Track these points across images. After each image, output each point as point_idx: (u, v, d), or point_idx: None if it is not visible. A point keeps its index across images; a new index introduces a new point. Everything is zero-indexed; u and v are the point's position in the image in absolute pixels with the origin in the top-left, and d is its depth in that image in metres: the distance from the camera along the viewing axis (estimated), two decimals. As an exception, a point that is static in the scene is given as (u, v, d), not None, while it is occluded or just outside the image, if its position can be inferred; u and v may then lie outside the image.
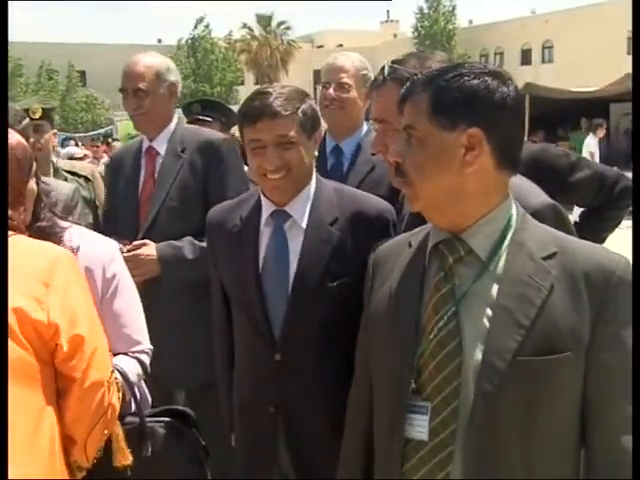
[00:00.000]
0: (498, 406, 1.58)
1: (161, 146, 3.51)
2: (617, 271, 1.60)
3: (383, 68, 2.19)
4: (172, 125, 3.55)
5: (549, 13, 49.91)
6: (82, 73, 51.45)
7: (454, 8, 51.86)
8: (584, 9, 45.72)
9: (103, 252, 2.28)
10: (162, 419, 2.26)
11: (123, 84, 3.50)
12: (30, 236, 2.01)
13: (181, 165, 3.44)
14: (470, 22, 57.71)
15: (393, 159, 1.73)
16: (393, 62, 2.20)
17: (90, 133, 33.81)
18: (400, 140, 1.71)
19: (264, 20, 55.39)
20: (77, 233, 2.25)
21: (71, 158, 5.47)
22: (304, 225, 2.41)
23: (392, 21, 67.52)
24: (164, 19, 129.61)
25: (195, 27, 53.98)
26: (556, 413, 1.60)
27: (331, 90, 3.54)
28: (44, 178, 3.25)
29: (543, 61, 49.64)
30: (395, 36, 61.56)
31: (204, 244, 3.11)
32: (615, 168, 4.01)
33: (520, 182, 1.92)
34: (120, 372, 2.15)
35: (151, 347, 2.37)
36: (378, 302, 1.84)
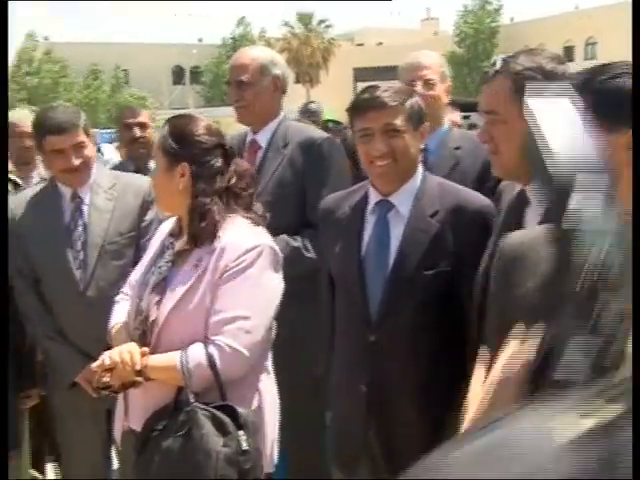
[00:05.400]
0: None
1: (264, 140, 3.53)
2: None
3: (494, 63, 2.26)
4: (277, 119, 3.55)
5: (592, 9, 49.29)
6: (126, 72, 52.17)
7: (501, 7, 51.55)
8: (628, 4, 44.98)
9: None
10: (210, 409, 2.25)
11: (229, 76, 3.57)
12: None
13: (281, 160, 3.45)
14: (512, 19, 57.28)
15: None
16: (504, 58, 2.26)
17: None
18: None
19: (305, 18, 55.61)
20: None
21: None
22: (406, 215, 2.55)
23: (432, 19, 67.30)
24: (205, 18, 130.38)
25: (237, 26, 54.46)
26: None
27: (419, 87, 3.49)
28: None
29: (586, 58, 49.01)
30: (436, 34, 61.32)
31: (297, 244, 3.30)
32: None
33: None
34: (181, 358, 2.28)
35: (233, 344, 2.31)
36: None
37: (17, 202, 3.37)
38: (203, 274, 2.38)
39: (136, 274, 2.66)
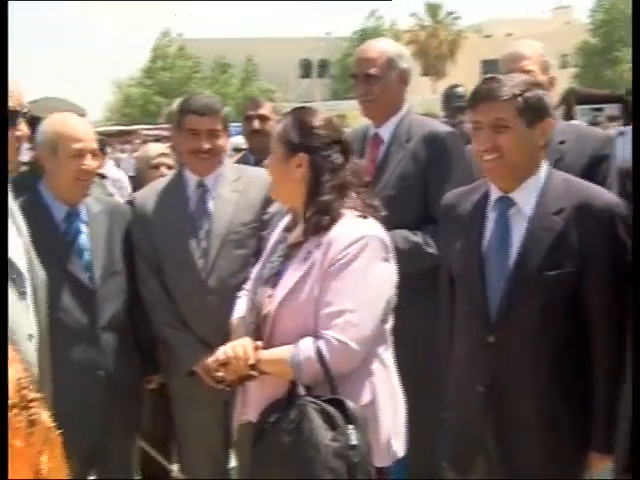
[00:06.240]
0: None
1: (387, 134, 3.51)
2: None
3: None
4: (400, 114, 3.52)
5: None
6: (255, 66, 53.12)
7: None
8: None
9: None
10: (319, 403, 2.25)
11: (355, 69, 3.54)
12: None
13: (404, 155, 3.42)
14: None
15: None
16: None
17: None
18: None
19: (433, 10, 55.01)
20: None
21: (236, 149, 5.77)
22: (528, 213, 2.48)
23: (564, 7, 65.15)
24: (333, 11, 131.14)
25: (367, 19, 54.45)
26: None
27: None
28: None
29: None
30: (567, 23, 59.39)
31: (417, 238, 3.28)
32: None
33: None
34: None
35: (341, 338, 2.30)
36: None
37: (147, 191, 3.50)
38: (312, 267, 2.39)
39: (255, 269, 2.69)
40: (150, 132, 18.68)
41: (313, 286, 2.37)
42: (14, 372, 1.48)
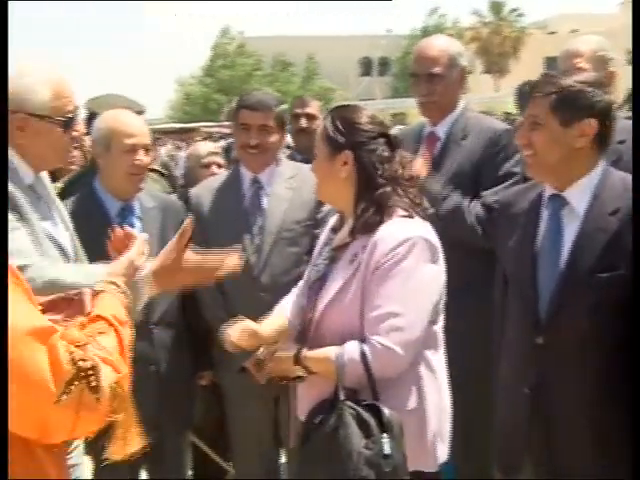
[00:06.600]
0: None
1: (443, 131, 3.48)
2: None
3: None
4: (457, 111, 3.49)
5: None
6: (316, 64, 53.23)
7: None
8: None
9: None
10: (356, 408, 2.21)
11: (415, 68, 3.50)
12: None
13: (460, 152, 3.39)
14: None
15: None
16: None
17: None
18: None
19: (497, 7, 54.39)
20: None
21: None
22: (581, 212, 2.43)
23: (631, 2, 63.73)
24: (393, 9, 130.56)
25: (429, 16, 54.10)
26: None
27: None
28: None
29: None
30: (636, 19, 58.06)
31: (467, 209, 3.27)
32: None
33: None
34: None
35: (386, 343, 2.26)
36: None
37: (202, 187, 3.53)
38: (357, 270, 2.35)
39: (306, 271, 2.68)
40: (211, 129, 18.84)
41: (358, 289, 2.34)
42: (64, 349, 1.51)
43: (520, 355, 2.52)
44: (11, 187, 2.37)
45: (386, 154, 2.43)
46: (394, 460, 2.15)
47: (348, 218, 2.49)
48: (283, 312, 2.72)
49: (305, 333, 2.46)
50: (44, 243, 2.50)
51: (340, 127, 2.45)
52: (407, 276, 2.30)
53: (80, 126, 2.58)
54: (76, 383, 1.51)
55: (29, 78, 2.47)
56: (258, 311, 3.15)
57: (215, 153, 4.39)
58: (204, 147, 4.67)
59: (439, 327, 2.47)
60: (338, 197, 2.51)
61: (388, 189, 2.40)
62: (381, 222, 2.36)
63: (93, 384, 1.54)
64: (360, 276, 2.34)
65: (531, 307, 2.46)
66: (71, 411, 1.50)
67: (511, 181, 3.26)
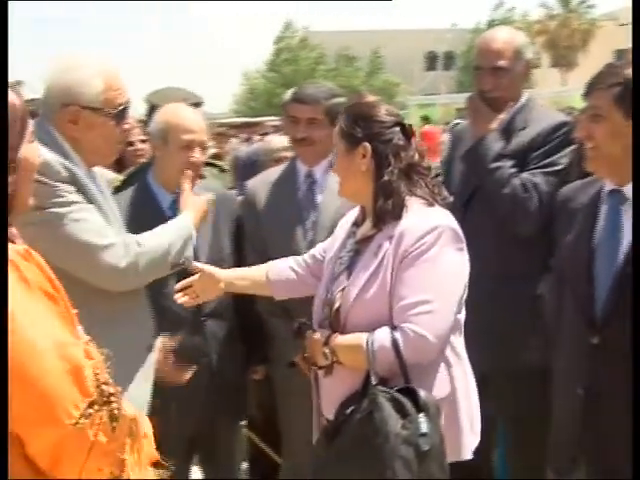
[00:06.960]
0: None
1: (503, 123, 3.36)
2: None
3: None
4: (519, 104, 3.38)
5: None
6: (381, 58, 53.02)
7: None
8: None
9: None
10: (390, 392, 2.21)
11: (479, 62, 3.40)
12: None
13: (515, 142, 3.30)
14: None
15: None
16: None
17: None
18: None
19: (565, -1, 53.33)
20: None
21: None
22: None
23: None
24: (460, 2, 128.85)
25: (495, 10, 53.38)
26: None
27: None
28: None
29: None
30: None
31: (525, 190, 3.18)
32: None
33: None
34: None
35: (418, 330, 2.25)
36: None
37: (258, 180, 3.52)
38: (383, 261, 2.36)
39: (325, 263, 2.69)
40: (274, 123, 18.88)
41: (386, 280, 2.34)
42: (90, 370, 1.46)
43: (574, 355, 2.47)
44: (76, 169, 2.40)
45: (402, 142, 2.45)
46: (432, 439, 2.14)
47: (369, 212, 2.50)
48: (262, 270, 2.86)
49: (333, 325, 2.47)
50: (115, 223, 2.54)
51: (356, 121, 2.47)
52: (435, 264, 2.30)
53: (131, 120, 2.58)
54: (96, 407, 1.44)
55: (81, 71, 2.49)
56: (308, 305, 3.14)
57: (288, 148, 4.35)
58: (277, 141, 4.61)
59: (462, 316, 2.47)
60: (359, 192, 2.52)
61: (406, 178, 2.41)
62: (402, 211, 2.38)
63: (115, 412, 1.47)
64: (386, 267, 2.35)
65: (586, 306, 2.40)
66: (87, 437, 1.42)
67: (549, 169, 3.19)
